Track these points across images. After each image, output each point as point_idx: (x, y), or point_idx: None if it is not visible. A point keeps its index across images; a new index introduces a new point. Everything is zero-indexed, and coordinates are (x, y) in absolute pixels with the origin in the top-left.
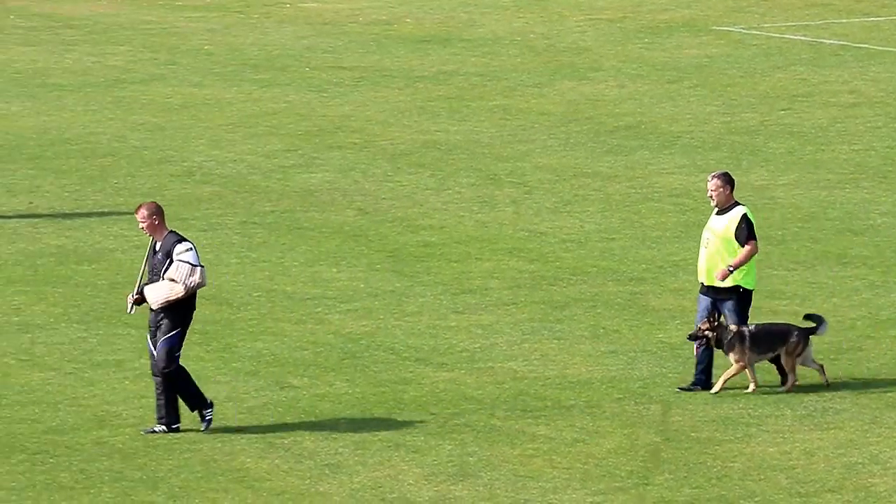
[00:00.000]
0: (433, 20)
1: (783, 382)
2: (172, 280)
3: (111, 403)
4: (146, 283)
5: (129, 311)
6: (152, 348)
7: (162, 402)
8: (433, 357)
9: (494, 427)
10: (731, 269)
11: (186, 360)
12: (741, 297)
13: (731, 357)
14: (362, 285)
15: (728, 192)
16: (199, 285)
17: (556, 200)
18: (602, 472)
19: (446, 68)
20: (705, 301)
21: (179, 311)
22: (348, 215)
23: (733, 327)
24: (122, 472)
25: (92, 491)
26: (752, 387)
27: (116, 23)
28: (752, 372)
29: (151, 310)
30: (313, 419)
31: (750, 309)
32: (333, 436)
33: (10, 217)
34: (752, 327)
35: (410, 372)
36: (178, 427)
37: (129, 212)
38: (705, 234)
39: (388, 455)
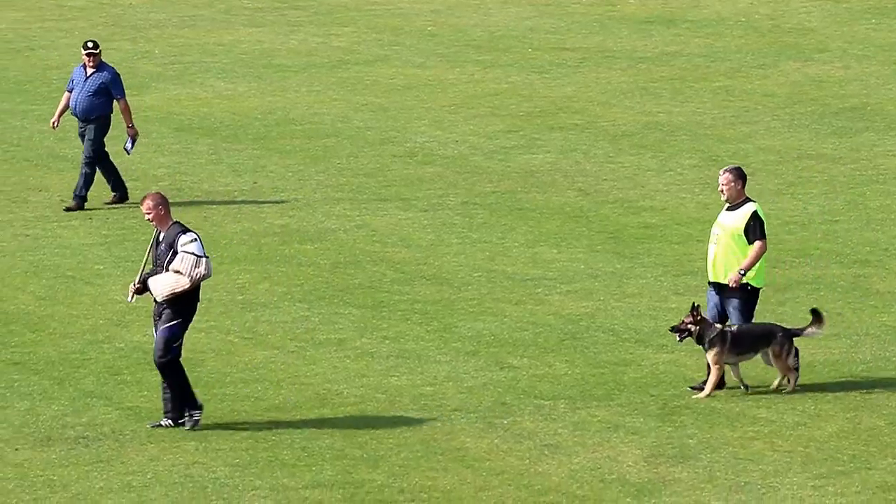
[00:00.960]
0: (657, 1)
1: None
2: (178, 272)
3: (332, 382)
4: (150, 274)
5: (129, 299)
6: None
7: (168, 395)
8: (653, 339)
9: (714, 409)
10: (743, 272)
11: (406, 339)
12: (748, 296)
13: (709, 356)
14: (582, 266)
15: (740, 186)
16: (205, 277)
17: (778, 182)
18: (824, 455)
19: (669, 49)
20: (714, 298)
21: (182, 303)
22: (569, 196)
23: (718, 326)
24: (343, 450)
25: (314, 468)
26: (703, 393)
27: (341, 4)
28: (736, 371)
29: (155, 301)
30: (532, 399)
31: (755, 307)
32: (552, 416)
33: (235, 197)
34: (734, 328)
35: (630, 353)
36: (184, 422)
37: (351, 193)
38: (715, 229)
39: (606, 436)
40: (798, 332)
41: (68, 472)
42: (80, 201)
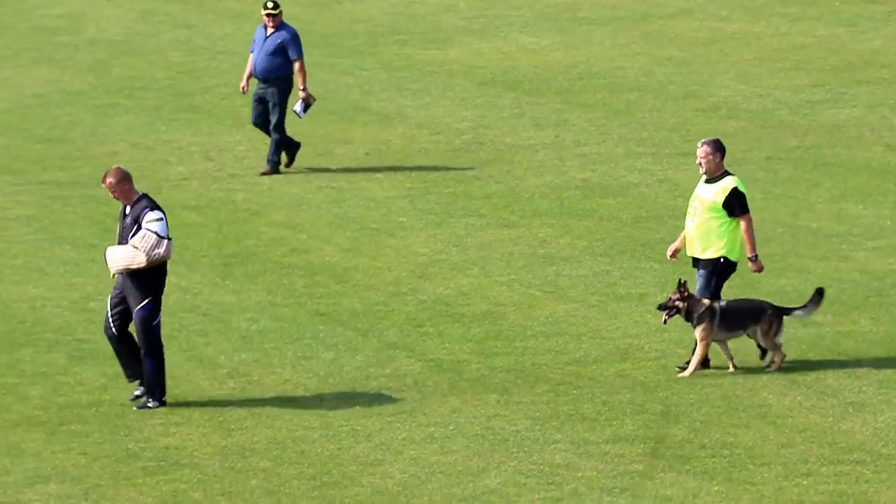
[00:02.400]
0: None
1: (762, 358)
2: (136, 248)
3: (633, 336)
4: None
5: (111, 275)
6: (108, 309)
7: (124, 361)
8: None
9: None
10: (753, 256)
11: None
12: (721, 268)
13: (697, 332)
14: (888, 223)
15: (718, 160)
16: (163, 258)
17: None
18: None
19: None
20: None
21: (148, 279)
22: (875, 152)
23: (706, 301)
24: (643, 404)
25: (614, 423)
26: (688, 371)
27: None
28: (726, 349)
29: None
30: (837, 357)
31: (726, 282)
32: (857, 374)
33: (537, 151)
34: (723, 303)
35: None
36: (164, 400)
37: (653, 147)
38: (693, 202)
39: None
40: (788, 311)
41: (371, 422)
42: (274, 166)
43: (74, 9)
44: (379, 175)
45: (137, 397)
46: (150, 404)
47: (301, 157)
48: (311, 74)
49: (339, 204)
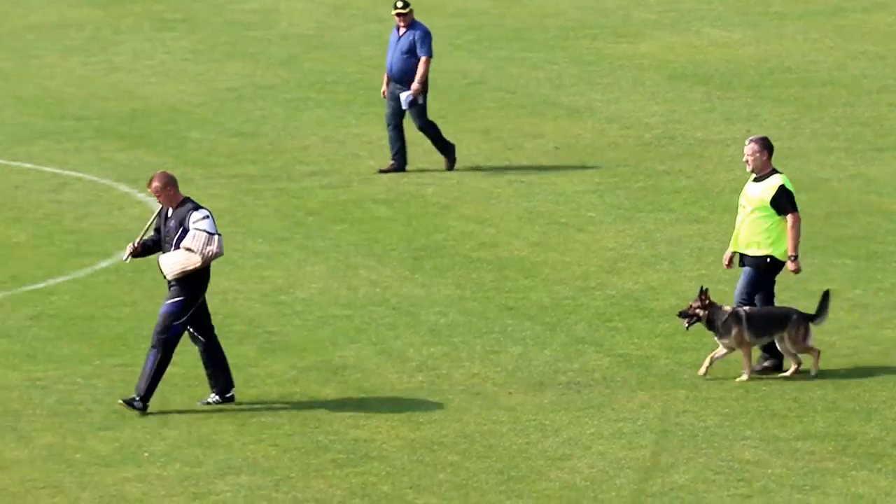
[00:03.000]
0: None
1: (763, 366)
2: (189, 249)
3: (825, 333)
4: (150, 247)
5: (125, 258)
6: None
7: (209, 371)
8: None
9: None
10: (794, 256)
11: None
12: (768, 267)
13: (728, 340)
14: None
15: (765, 157)
16: (216, 255)
17: None
18: None
19: None
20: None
21: (189, 280)
22: None
23: (728, 308)
24: (834, 401)
25: (805, 419)
26: (745, 375)
27: None
28: (748, 358)
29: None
30: None
31: (771, 281)
32: None
33: (728, 146)
34: (748, 309)
35: None
36: (232, 396)
37: (846, 142)
38: (741, 200)
39: None
40: (814, 317)
41: (560, 416)
42: (450, 163)
43: (268, 4)
44: (568, 169)
45: (208, 403)
46: (135, 404)
47: (490, 152)
48: (502, 69)
49: (528, 198)
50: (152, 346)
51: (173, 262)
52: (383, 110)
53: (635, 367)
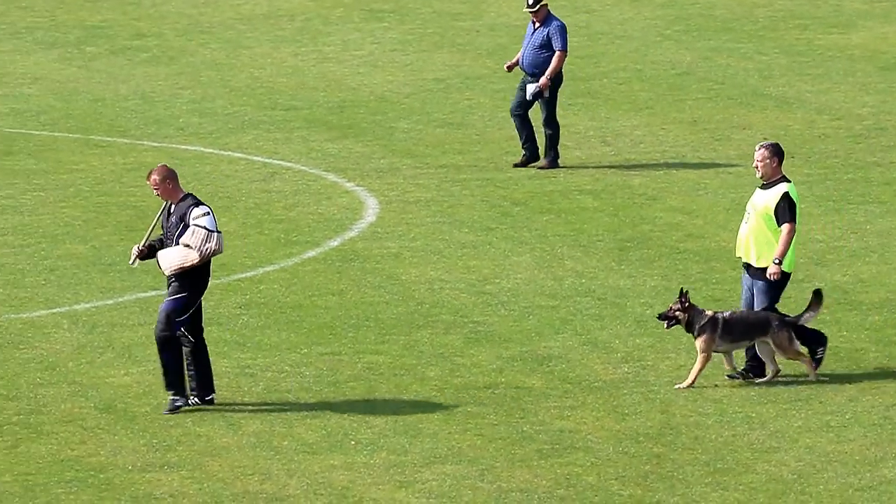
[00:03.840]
0: None
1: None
2: (187, 245)
3: None
4: (158, 246)
5: (130, 262)
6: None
7: (192, 373)
8: None
9: None
10: (779, 261)
11: None
12: (777, 280)
13: (698, 343)
14: None
15: (775, 164)
16: (215, 252)
17: None
18: None
19: None
20: (748, 280)
21: (191, 277)
22: None
23: (709, 312)
24: None
25: None
26: (685, 383)
27: None
28: (730, 359)
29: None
30: None
31: (782, 292)
32: None
33: None
34: (727, 314)
35: None
36: (212, 398)
37: None
38: (748, 207)
39: None
40: (797, 319)
41: (766, 409)
42: (553, 160)
43: None
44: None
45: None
46: (178, 403)
47: (698, 143)
48: (710, 59)
49: (736, 189)
50: (160, 346)
51: (171, 259)
52: (590, 100)
53: (844, 360)
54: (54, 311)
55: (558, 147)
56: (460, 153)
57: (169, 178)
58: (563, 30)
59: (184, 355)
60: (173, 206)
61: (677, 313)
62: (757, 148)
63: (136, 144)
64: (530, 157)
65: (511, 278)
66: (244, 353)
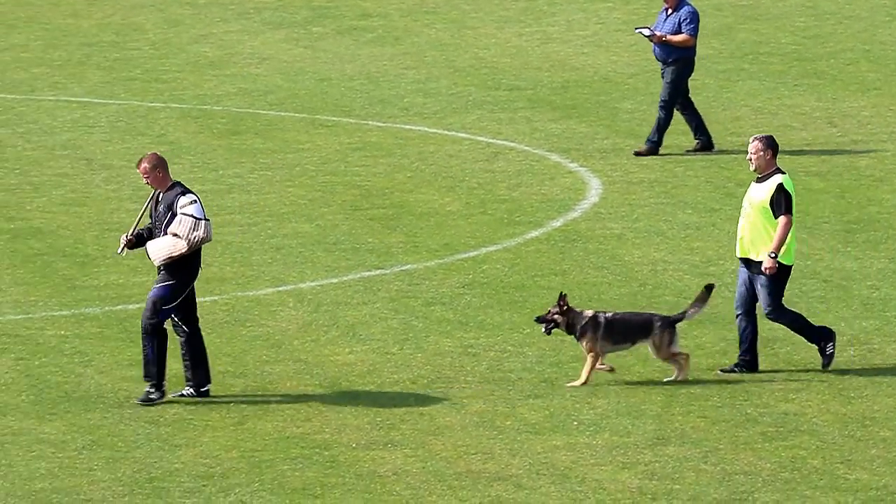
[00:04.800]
0: None
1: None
2: (175, 234)
3: None
4: (147, 236)
5: (119, 251)
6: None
7: (187, 363)
8: None
9: None
10: (774, 254)
11: None
12: (777, 274)
13: (583, 344)
14: None
15: (769, 156)
16: (203, 240)
17: None
18: None
19: None
20: (743, 274)
21: (179, 265)
22: None
23: (588, 313)
24: None
25: None
26: (577, 382)
27: None
28: (591, 367)
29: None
30: None
31: (786, 286)
32: None
33: None
34: (609, 314)
35: None
36: (208, 390)
37: None
38: (744, 202)
39: None
40: (680, 318)
41: None
42: (653, 146)
43: None
44: None
45: (182, 395)
46: (152, 395)
47: None
48: None
49: None
50: (145, 333)
51: (159, 248)
52: (816, 81)
53: None
54: (280, 289)
55: (664, 134)
56: (684, 133)
57: (159, 166)
58: (695, 16)
59: (180, 346)
60: (161, 195)
61: (556, 317)
62: (751, 140)
63: (361, 124)
64: (705, 144)
65: (734, 260)
66: (467, 333)
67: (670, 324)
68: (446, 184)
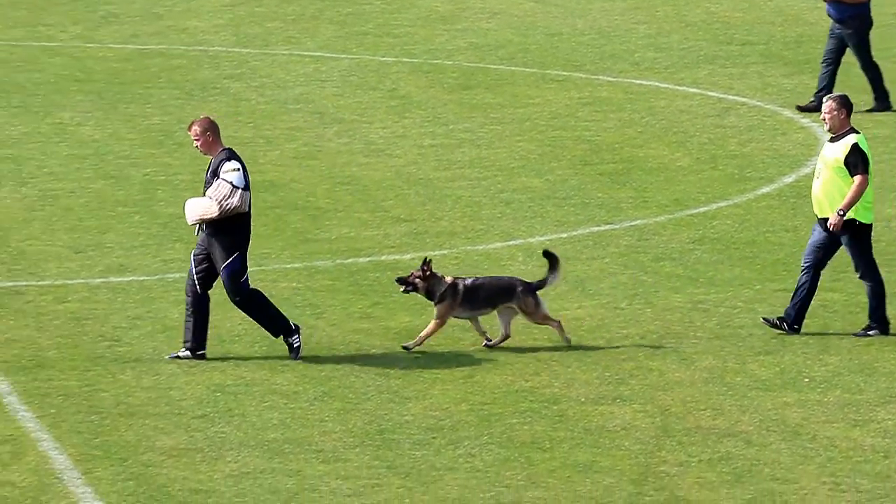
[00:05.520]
0: None
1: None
2: (210, 198)
3: None
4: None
5: (195, 230)
6: (193, 266)
7: (189, 324)
8: None
9: None
10: (842, 212)
11: None
12: (856, 232)
13: (436, 309)
14: None
15: (843, 116)
16: (236, 209)
17: None
18: None
19: None
20: (817, 233)
21: (231, 235)
22: None
23: (448, 279)
24: None
25: None
26: (411, 343)
27: None
28: (429, 333)
29: (200, 231)
30: None
31: (869, 242)
32: None
33: None
34: (468, 281)
35: None
36: (203, 353)
37: None
38: (818, 163)
39: None
40: (541, 285)
41: None
42: (880, 103)
43: None
44: None
45: (177, 357)
46: (296, 343)
47: None
48: None
49: None
50: (243, 308)
51: (193, 208)
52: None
53: None
54: (510, 243)
55: (885, 85)
56: None
57: (210, 130)
58: None
59: (186, 305)
60: (212, 159)
61: (417, 280)
62: (825, 100)
63: (591, 79)
64: (881, 106)
65: None
66: (697, 289)
67: (532, 290)
68: (676, 139)
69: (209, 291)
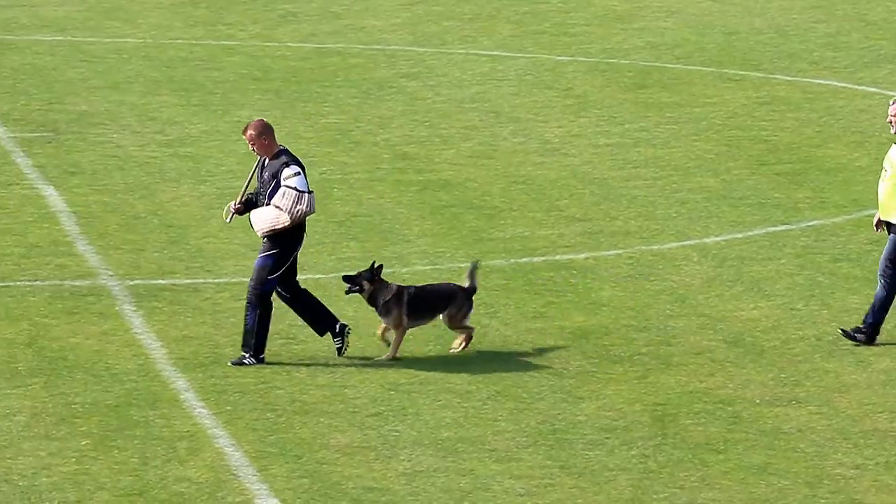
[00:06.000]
0: None
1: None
2: (278, 207)
3: None
4: (254, 203)
5: (227, 219)
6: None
7: (309, 318)
8: None
9: None
10: None
11: None
12: None
13: (388, 321)
14: None
15: None
16: (306, 213)
17: None
18: None
19: None
20: (892, 240)
21: (284, 235)
22: None
23: (394, 287)
24: None
25: None
26: (388, 355)
27: None
28: (397, 343)
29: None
30: None
31: None
32: None
33: None
34: (412, 290)
35: None
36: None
37: None
38: (884, 164)
39: None
40: (474, 290)
41: None
42: None
43: None
44: None
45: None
46: (245, 360)
47: None
48: None
49: None
50: (248, 303)
51: (262, 220)
52: None
53: None
54: (684, 243)
55: None
56: None
57: (265, 133)
58: None
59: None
60: (267, 162)
61: (363, 283)
62: (891, 103)
63: (769, 78)
64: None
65: None
66: (874, 290)
67: (468, 296)
68: (855, 139)
69: (300, 290)
